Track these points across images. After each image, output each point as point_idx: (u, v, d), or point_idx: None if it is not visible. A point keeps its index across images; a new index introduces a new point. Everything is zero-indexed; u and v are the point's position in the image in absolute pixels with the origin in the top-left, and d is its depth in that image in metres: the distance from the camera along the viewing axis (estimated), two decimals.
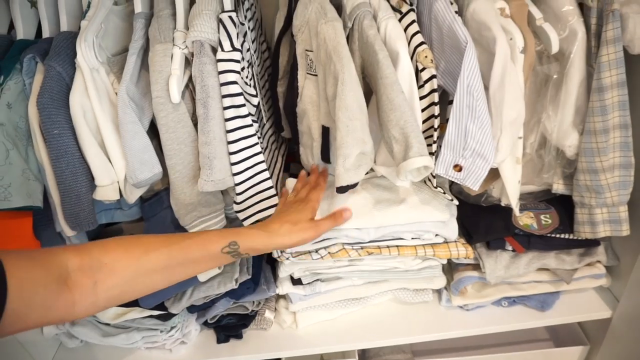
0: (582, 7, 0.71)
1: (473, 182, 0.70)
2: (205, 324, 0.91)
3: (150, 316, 0.88)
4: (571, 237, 0.83)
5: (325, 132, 0.80)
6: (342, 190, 0.68)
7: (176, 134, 0.70)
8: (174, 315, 0.87)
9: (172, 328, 0.89)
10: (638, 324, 0.83)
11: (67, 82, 0.68)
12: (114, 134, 0.69)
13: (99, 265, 0.54)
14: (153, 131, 0.73)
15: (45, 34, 0.74)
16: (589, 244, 0.86)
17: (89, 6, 0.72)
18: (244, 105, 0.70)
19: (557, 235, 0.84)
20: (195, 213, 0.79)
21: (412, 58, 0.70)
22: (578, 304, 0.92)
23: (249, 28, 0.83)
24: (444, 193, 0.77)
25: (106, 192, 0.70)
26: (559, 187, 0.81)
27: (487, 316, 0.92)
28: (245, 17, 0.83)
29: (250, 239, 0.64)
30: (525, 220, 0.85)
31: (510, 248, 0.85)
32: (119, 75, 0.71)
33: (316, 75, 0.78)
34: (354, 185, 0.68)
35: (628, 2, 0.67)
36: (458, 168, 0.70)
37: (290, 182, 0.86)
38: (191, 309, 0.87)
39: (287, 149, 1.02)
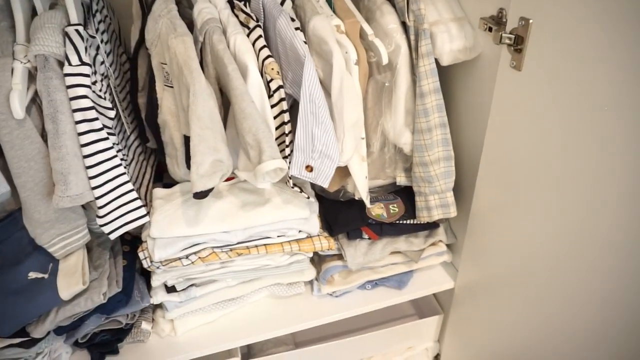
0: (405, 25, 0.84)
1: (323, 180, 0.78)
2: (76, 344, 0.88)
3: (11, 345, 0.83)
4: (415, 222, 0.96)
5: (188, 141, 0.82)
6: (199, 196, 0.72)
7: (23, 150, 0.68)
8: (38, 340, 0.83)
9: (38, 354, 0.85)
10: (472, 290, 0.99)
11: None
12: None
13: None
14: None
15: None
16: (431, 227, 1.00)
17: None
18: (97, 119, 0.70)
19: (404, 222, 0.97)
20: (54, 231, 0.77)
21: (261, 70, 0.76)
22: (428, 279, 1.06)
23: (102, 40, 0.83)
24: (301, 192, 0.85)
25: None
26: (401, 180, 0.94)
27: (354, 300, 1.02)
28: (98, 29, 0.82)
29: None
30: (376, 210, 0.96)
31: (366, 237, 0.96)
32: None
33: (172, 87, 0.81)
34: (209, 191, 0.72)
35: (436, 22, 0.81)
36: (309, 169, 0.77)
37: (158, 192, 0.88)
38: (58, 330, 0.84)
39: (157, 159, 1.03)
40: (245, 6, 0.81)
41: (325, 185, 0.79)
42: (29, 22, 0.73)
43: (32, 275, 0.80)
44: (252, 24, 0.79)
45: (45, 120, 0.69)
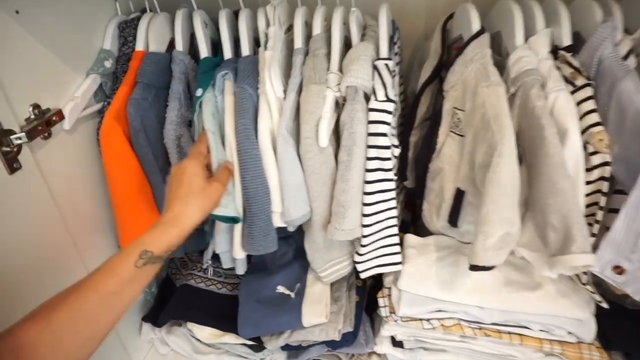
0: None
1: (635, 290, 0.61)
2: None
3: (244, 344, 0.87)
4: None
5: (460, 195, 0.75)
6: (475, 269, 0.63)
7: (321, 175, 0.69)
8: (264, 347, 0.86)
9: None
10: None
11: (255, 105, 0.70)
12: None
13: (20, 344, 0.46)
14: None
15: (227, 55, 0.77)
16: None
17: (266, 37, 0.73)
18: (389, 159, 0.67)
19: None
20: (328, 256, 0.78)
21: (583, 139, 0.63)
22: None
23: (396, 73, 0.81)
24: (593, 293, 0.68)
25: (276, 219, 0.72)
26: None
27: None
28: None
29: (159, 238, 0.57)
30: None
31: None
32: None
33: (462, 136, 0.73)
34: (491, 268, 0.62)
35: None
36: (619, 270, 0.61)
37: (411, 240, 0.82)
38: (285, 347, 0.85)
39: (406, 198, 0.98)
40: (573, 58, 0.69)
41: (638, 298, 0.61)
42: (342, 51, 0.75)
43: (280, 289, 0.83)
44: (580, 80, 0.67)
45: (340, 150, 0.68)
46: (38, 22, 0.66)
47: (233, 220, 0.70)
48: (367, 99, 0.69)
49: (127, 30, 0.80)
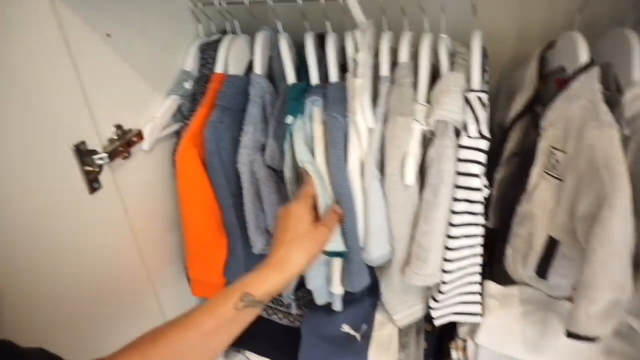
0: None
1: None
2: None
3: None
4: None
5: (552, 244, 0.67)
6: (574, 336, 0.55)
7: (404, 214, 0.65)
8: None
9: None
10: None
11: (345, 134, 0.67)
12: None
13: None
14: None
15: (314, 80, 0.75)
16: None
17: (355, 63, 0.70)
18: (480, 202, 0.61)
19: None
20: (404, 299, 0.73)
21: None
22: None
23: None
24: None
25: None
26: None
27: None
28: None
29: (262, 282, 0.54)
30: None
31: None
32: None
33: (560, 180, 0.66)
34: (593, 340, 0.54)
35: None
36: None
37: (492, 288, 0.74)
38: None
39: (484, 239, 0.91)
40: None
41: None
42: (429, 80, 0.70)
43: (345, 328, 0.78)
44: None
45: (426, 188, 0.63)
46: (127, 44, 0.66)
47: (339, 254, 0.66)
48: (457, 134, 0.63)
49: (208, 52, 0.80)
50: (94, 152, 0.61)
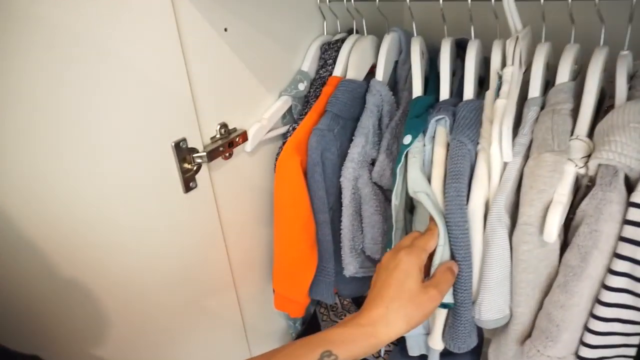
0: None
1: None
2: None
3: None
4: None
5: None
6: None
7: (536, 274, 0.51)
8: None
9: None
10: None
11: (472, 165, 0.56)
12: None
13: None
14: None
15: (445, 94, 0.64)
16: None
17: (499, 79, 0.58)
18: None
19: None
20: None
21: None
22: None
23: None
24: None
25: None
26: None
27: None
28: None
29: (350, 344, 0.46)
30: None
31: None
32: None
33: None
34: None
35: None
36: None
37: None
38: None
39: None
40: None
41: None
42: (594, 107, 0.55)
43: None
44: None
45: (570, 249, 0.49)
46: (245, 40, 0.62)
47: (445, 305, 0.56)
48: (628, 186, 0.48)
49: (329, 53, 0.73)
50: (194, 150, 0.58)
